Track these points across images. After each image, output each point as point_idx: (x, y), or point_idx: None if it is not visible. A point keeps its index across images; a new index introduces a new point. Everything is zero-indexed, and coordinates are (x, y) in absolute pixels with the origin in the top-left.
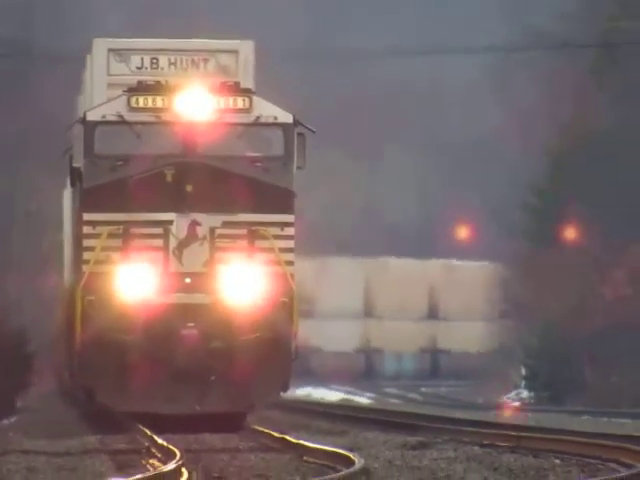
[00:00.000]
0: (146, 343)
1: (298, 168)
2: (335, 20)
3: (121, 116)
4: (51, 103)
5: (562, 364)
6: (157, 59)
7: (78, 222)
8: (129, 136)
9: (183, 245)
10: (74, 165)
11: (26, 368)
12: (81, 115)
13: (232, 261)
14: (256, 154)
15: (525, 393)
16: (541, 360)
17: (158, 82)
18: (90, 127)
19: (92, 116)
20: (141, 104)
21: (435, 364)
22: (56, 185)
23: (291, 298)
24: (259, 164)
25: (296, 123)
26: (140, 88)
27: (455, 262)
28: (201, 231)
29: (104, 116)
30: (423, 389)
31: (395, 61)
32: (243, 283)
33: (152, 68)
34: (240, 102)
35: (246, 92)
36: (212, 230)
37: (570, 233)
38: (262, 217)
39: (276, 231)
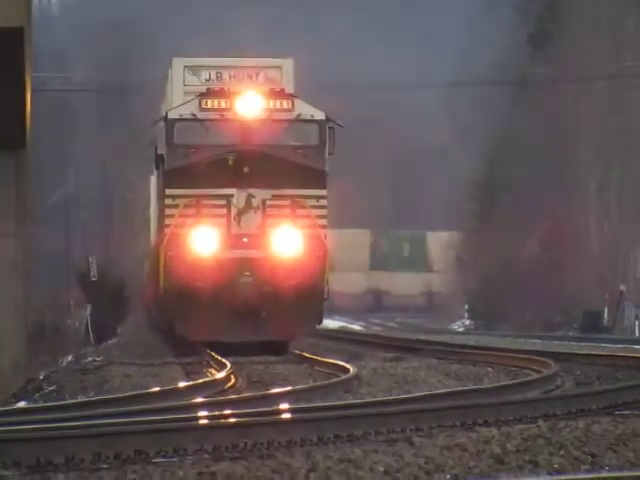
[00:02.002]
0: (213, 288)
1: (330, 154)
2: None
3: (194, 115)
4: (140, 122)
5: (493, 302)
6: (221, 73)
7: (161, 196)
8: (200, 130)
9: (241, 213)
10: (158, 152)
11: (124, 305)
12: (164, 114)
13: (279, 225)
14: (297, 143)
15: (467, 322)
16: (479, 299)
17: (222, 89)
18: (170, 123)
19: (172, 115)
20: (209, 105)
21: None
22: (144, 179)
23: (324, 253)
24: (299, 151)
25: (328, 119)
26: (209, 93)
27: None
28: (255, 202)
29: (181, 115)
30: (398, 319)
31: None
32: (287, 242)
33: (217, 80)
34: (285, 103)
35: (289, 96)
36: (264, 201)
37: (499, 213)
38: (302, 191)
39: (313, 202)
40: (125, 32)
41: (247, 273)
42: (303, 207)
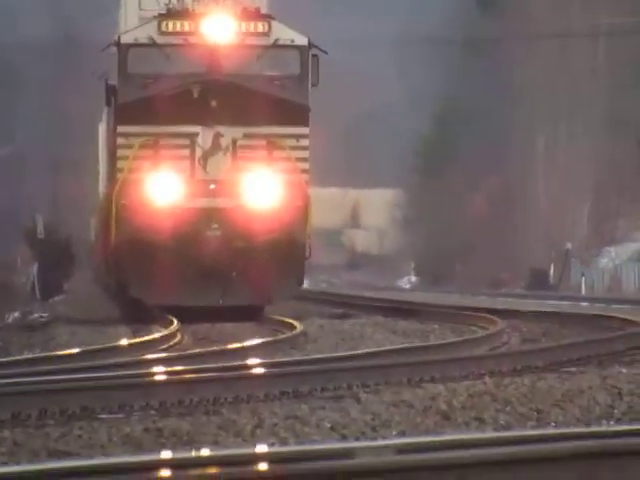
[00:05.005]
0: (174, 243)
1: (312, 85)
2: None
3: (152, 39)
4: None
5: (440, 259)
6: None
7: (113, 135)
8: (159, 57)
9: (208, 155)
10: (109, 84)
11: (71, 262)
12: (116, 39)
13: (252, 169)
14: (274, 73)
15: (414, 279)
16: (425, 257)
17: (186, 8)
18: (124, 48)
19: (126, 39)
20: (170, 28)
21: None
22: (92, 134)
23: (305, 203)
24: (277, 82)
25: (311, 45)
26: (169, 14)
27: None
28: (224, 142)
29: (136, 39)
30: (343, 276)
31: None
32: (262, 189)
33: (178, 3)
34: (260, 26)
35: (265, 17)
36: (234, 141)
37: (446, 171)
38: (279, 130)
39: (292, 142)
40: None
41: (214, 226)
42: (281, 148)
